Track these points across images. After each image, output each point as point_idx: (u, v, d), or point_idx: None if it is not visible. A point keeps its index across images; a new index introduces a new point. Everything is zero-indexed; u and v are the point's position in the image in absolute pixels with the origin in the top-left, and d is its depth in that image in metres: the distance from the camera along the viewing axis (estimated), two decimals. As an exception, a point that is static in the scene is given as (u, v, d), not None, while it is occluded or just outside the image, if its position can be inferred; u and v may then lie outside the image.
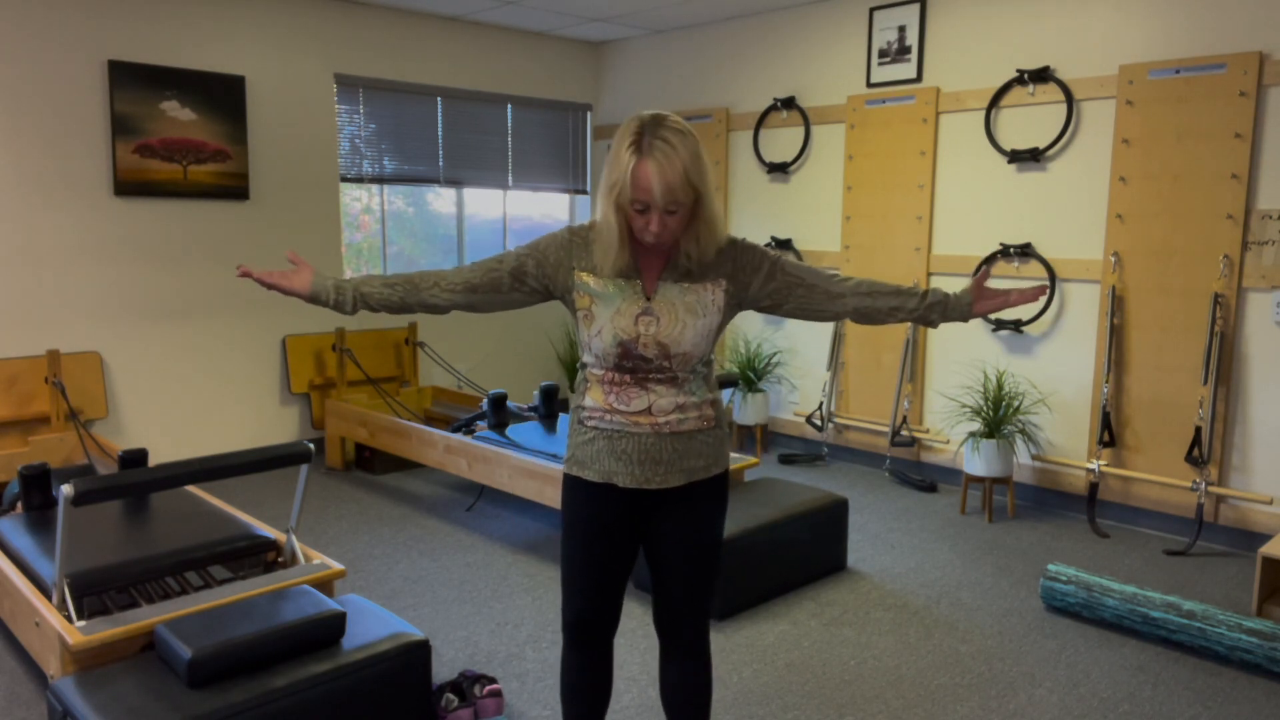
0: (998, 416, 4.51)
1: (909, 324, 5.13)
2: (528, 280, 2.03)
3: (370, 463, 5.28)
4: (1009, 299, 2.03)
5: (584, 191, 7.01)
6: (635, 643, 3.19)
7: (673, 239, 1.93)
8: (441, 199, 6.35)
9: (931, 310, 2.04)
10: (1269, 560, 3.31)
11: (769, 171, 5.80)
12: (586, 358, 2.04)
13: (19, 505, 3.56)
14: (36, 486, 3.41)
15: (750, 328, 6.04)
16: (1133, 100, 4.29)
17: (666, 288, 1.96)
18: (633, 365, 1.97)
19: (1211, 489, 4.13)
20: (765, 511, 3.59)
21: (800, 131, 5.65)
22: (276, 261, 5.40)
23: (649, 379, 1.98)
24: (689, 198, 1.86)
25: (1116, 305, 4.41)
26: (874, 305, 2.04)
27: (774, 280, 2.03)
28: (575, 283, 1.99)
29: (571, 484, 2.08)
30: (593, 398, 2.03)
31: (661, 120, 1.86)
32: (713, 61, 6.10)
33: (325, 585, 2.88)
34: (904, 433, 5.20)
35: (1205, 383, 4.12)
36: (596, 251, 1.96)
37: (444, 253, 6.38)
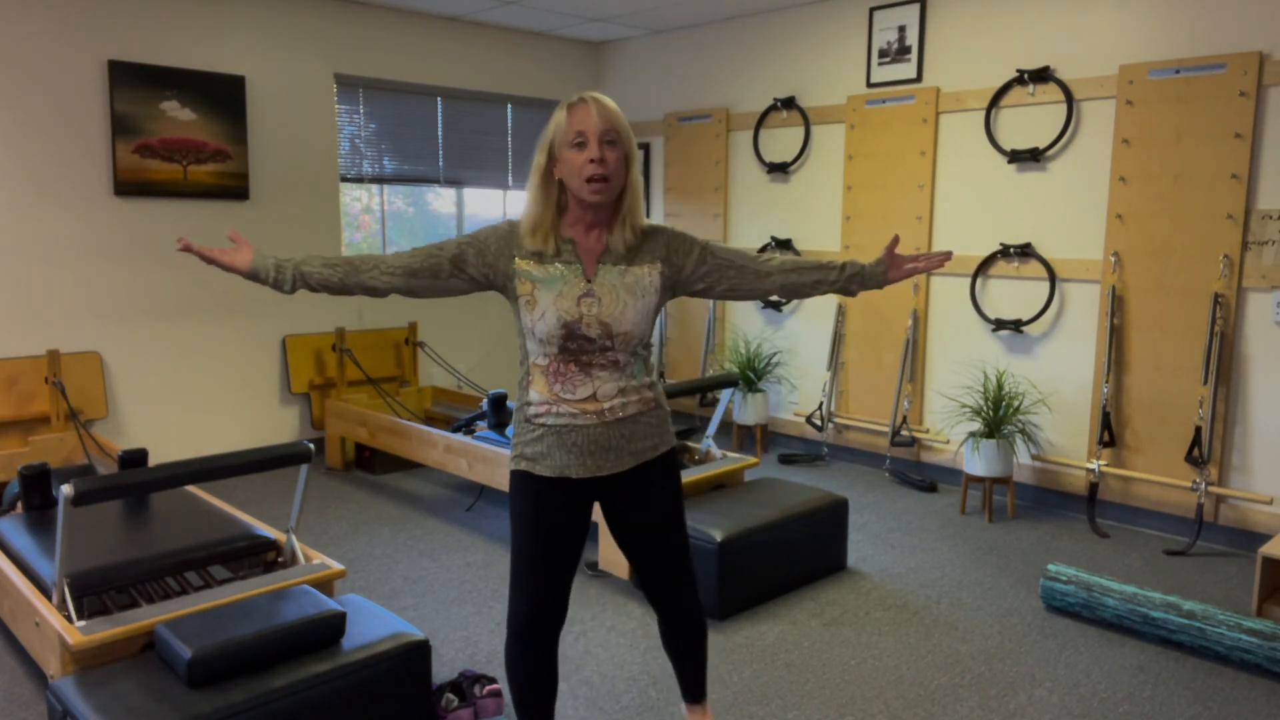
0: (998, 416, 4.51)
1: (909, 324, 5.14)
2: (466, 269, 2.09)
3: (370, 463, 5.28)
4: (918, 265, 2.18)
5: (584, 191, 7.00)
6: (635, 643, 3.19)
7: (614, 179, 2.00)
8: (441, 199, 6.35)
9: (851, 281, 2.19)
10: (1269, 560, 3.31)
11: (769, 171, 5.80)
12: (530, 346, 2.09)
13: (19, 505, 3.56)
14: (36, 486, 3.41)
15: (750, 327, 6.05)
16: (1133, 100, 4.29)
17: (605, 270, 2.05)
18: (576, 347, 2.03)
19: (1211, 489, 4.13)
20: (765, 511, 3.59)
21: (800, 131, 5.65)
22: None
23: (592, 364, 2.05)
24: (621, 139, 2.00)
25: (1116, 305, 4.41)
26: (799, 280, 2.18)
27: (705, 263, 2.14)
28: (516, 270, 2.06)
29: (521, 480, 2.13)
30: (537, 390, 2.09)
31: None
32: (713, 61, 6.09)
33: (325, 585, 2.88)
34: (904, 433, 5.20)
35: (1205, 383, 4.12)
36: (523, 226, 2.06)
37: (444, 253, 6.37)
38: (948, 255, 2.20)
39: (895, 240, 2.18)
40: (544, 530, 2.11)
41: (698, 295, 2.18)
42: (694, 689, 2.45)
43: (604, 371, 2.06)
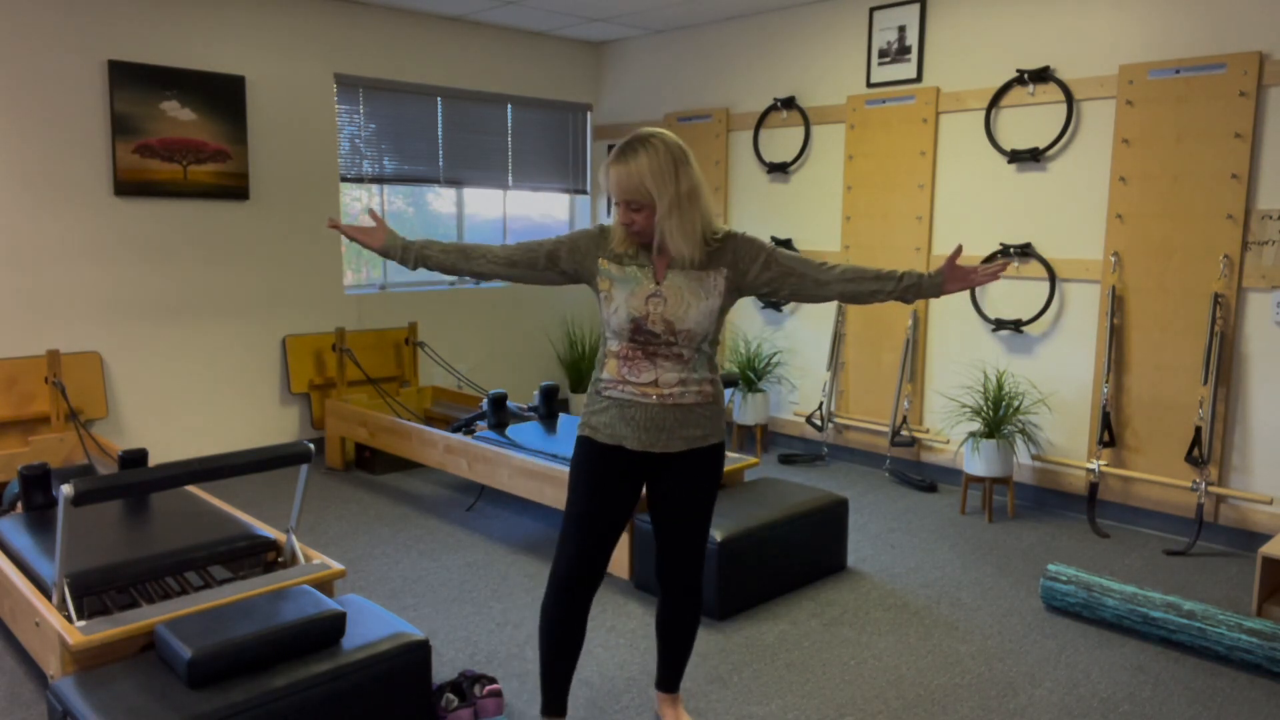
0: (998, 416, 4.51)
1: (909, 324, 5.14)
2: (560, 263, 2.38)
3: (370, 463, 5.28)
4: (976, 277, 2.29)
5: (584, 192, 7.01)
6: (635, 643, 3.19)
7: (645, 230, 2.24)
8: (441, 199, 6.35)
9: (908, 291, 2.32)
10: (1269, 560, 3.31)
11: (769, 171, 5.80)
12: (606, 334, 2.35)
13: (19, 505, 3.56)
14: (36, 486, 3.41)
15: (750, 327, 6.05)
16: (1133, 100, 4.29)
17: (674, 275, 2.28)
18: (644, 339, 2.28)
19: (1211, 489, 4.13)
20: (765, 511, 3.59)
21: (800, 131, 5.65)
22: (278, 261, 5.41)
23: (657, 354, 2.28)
24: (647, 199, 2.19)
25: (1116, 305, 4.41)
26: (858, 289, 2.33)
27: (769, 270, 2.33)
28: (599, 269, 2.33)
29: (584, 445, 2.38)
30: (609, 370, 2.34)
31: (640, 134, 2.23)
32: (713, 61, 6.10)
33: (325, 585, 2.88)
34: (904, 433, 5.20)
35: (1205, 383, 4.12)
36: (614, 233, 2.32)
37: (444, 253, 6.37)
38: (1004, 266, 2.32)
39: (958, 250, 2.31)
40: (595, 492, 2.35)
41: (762, 297, 2.40)
42: (672, 677, 2.62)
43: (668, 362, 2.29)
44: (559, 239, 2.39)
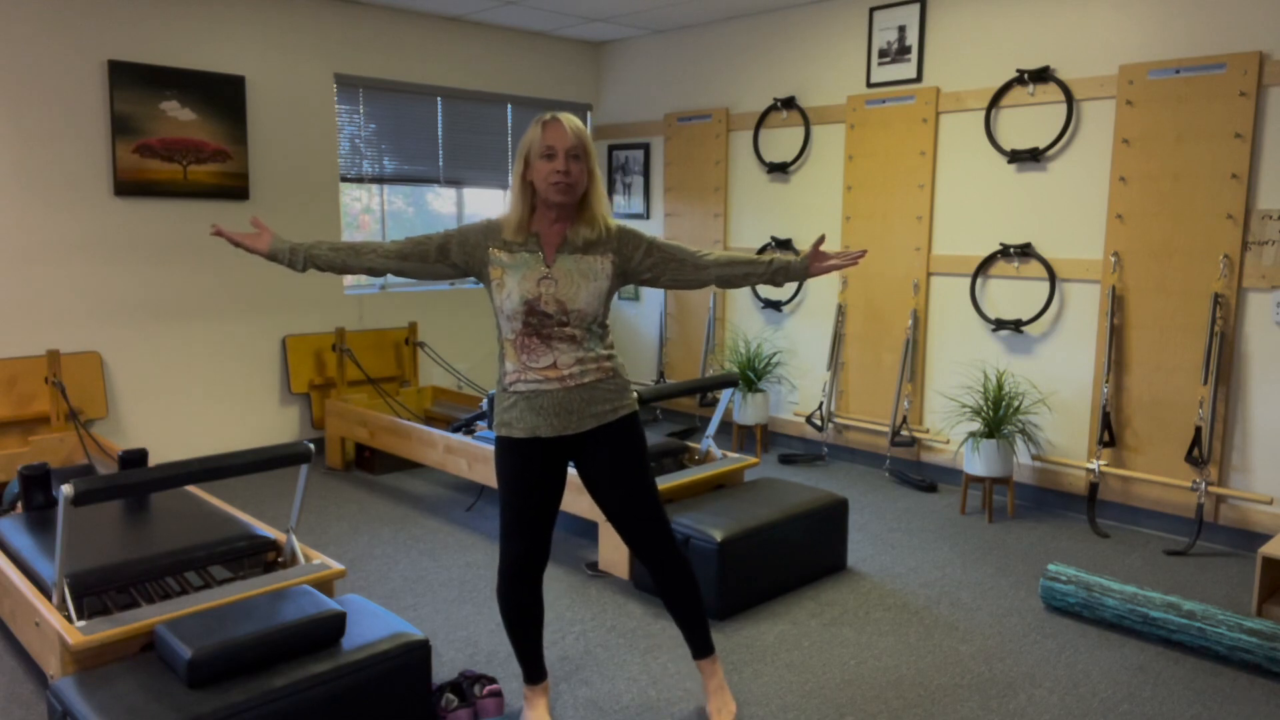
0: (998, 416, 4.51)
1: (909, 324, 5.14)
2: (450, 255, 2.45)
3: (370, 463, 5.28)
4: (835, 263, 2.46)
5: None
6: (635, 643, 3.19)
7: (578, 182, 2.34)
8: (441, 199, 6.35)
9: (777, 274, 2.51)
10: (1269, 560, 3.31)
11: (769, 171, 5.80)
12: (501, 323, 2.43)
13: (19, 505, 3.57)
14: (36, 486, 3.41)
15: (750, 327, 6.05)
16: (1133, 100, 4.29)
17: (563, 259, 2.39)
18: (537, 322, 2.37)
19: (1211, 489, 4.13)
20: (765, 511, 3.59)
21: (800, 131, 5.65)
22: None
23: (551, 337, 2.38)
24: (585, 155, 2.34)
25: (1116, 305, 4.41)
26: (732, 273, 2.51)
27: (651, 256, 2.48)
28: (490, 258, 2.41)
29: (503, 444, 2.47)
30: (509, 361, 2.42)
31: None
32: (713, 61, 6.10)
33: (325, 585, 2.88)
34: (904, 433, 5.20)
35: (1205, 383, 4.12)
36: (505, 222, 2.41)
37: (444, 253, 6.37)
38: (862, 253, 2.47)
39: (821, 239, 2.52)
40: (523, 486, 2.45)
41: (646, 284, 2.52)
42: (698, 641, 2.66)
43: (562, 344, 2.39)
44: (448, 232, 2.47)
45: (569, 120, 2.36)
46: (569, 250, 2.40)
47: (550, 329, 2.37)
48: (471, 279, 2.50)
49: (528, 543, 2.49)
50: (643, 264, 2.47)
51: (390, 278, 6.02)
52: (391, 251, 2.46)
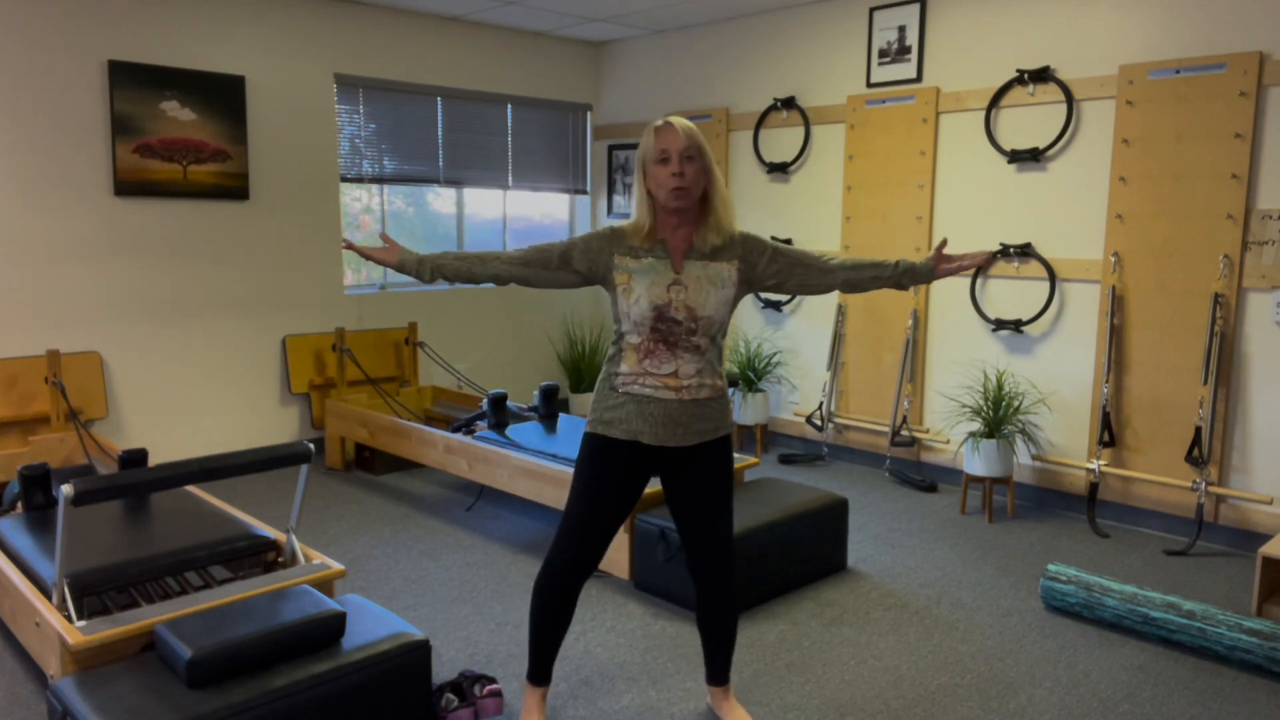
0: (998, 416, 4.51)
1: (909, 324, 5.14)
2: (573, 263, 2.45)
3: (370, 463, 5.28)
4: (963, 263, 2.47)
5: (584, 192, 7.01)
6: (635, 643, 3.19)
7: (693, 186, 2.32)
8: (441, 199, 6.35)
9: (904, 276, 2.49)
10: (1269, 560, 3.31)
11: (769, 171, 5.80)
12: (625, 327, 2.41)
13: (19, 505, 3.56)
14: (36, 486, 3.41)
15: (750, 327, 6.05)
16: (1133, 100, 4.29)
17: (691, 264, 2.37)
18: (665, 328, 2.35)
19: (1211, 489, 4.13)
20: (765, 511, 3.59)
21: (800, 131, 5.65)
22: (278, 261, 5.41)
23: (677, 345, 2.36)
24: (699, 155, 2.32)
25: (1116, 305, 4.41)
26: (859, 276, 2.49)
27: (776, 262, 2.46)
28: (615, 264, 2.40)
29: (596, 442, 2.44)
30: (627, 364, 2.40)
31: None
32: (713, 61, 6.09)
33: (325, 585, 2.88)
34: (904, 433, 5.20)
35: (1205, 383, 4.12)
36: (629, 229, 2.40)
37: (444, 253, 6.37)
38: (992, 255, 2.51)
39: (944, 243, 2.50)
40: (604, 488, 2.43)
41: (770, 290, 2.50)
42: (718, 669, 2.67)
43: (687, 354, 2.37)
44: (571, 240, 2.47)
45: (681, 123, 2.34)
46: (696, 256, 2.38)
47: (678, 337, 2.35)
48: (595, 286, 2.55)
49: (588, 547, 2.46)
50: (767, 270, 2.45)
51: (392, 276, 6.05)
52: (515, 259, 2.48)
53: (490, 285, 6.20)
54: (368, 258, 2.53)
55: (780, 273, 2.46)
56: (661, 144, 2.31)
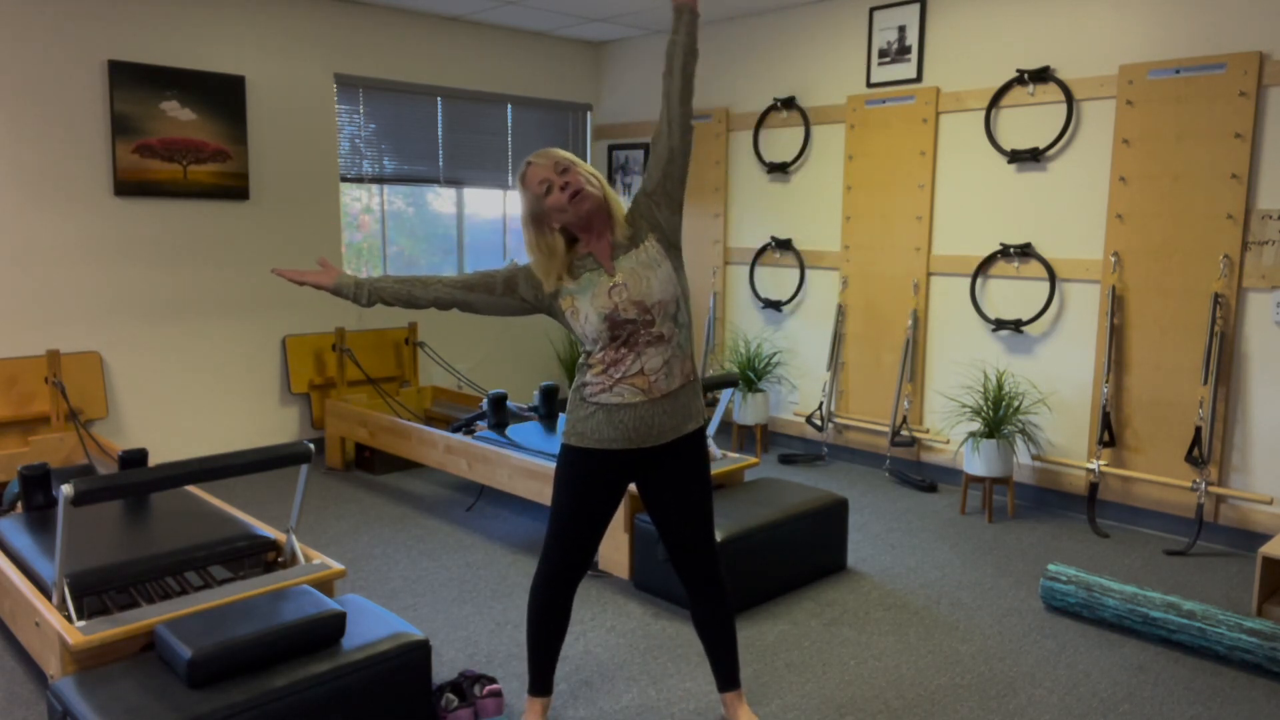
0: (998, 416, 4.51)
1: (909, 324, 5.14)
2: (518, 289, 2.42)
3: (370, 463, 5.28)
4: None
5: (584, 191, 6.99)
6: (635, 643, 3.19)
7: (586, 186, 2.30)
8: (441, 199, 6.34)
9: (676, 25, 2.36)
10: (1269, 560, 3.31)
11: (769, 171, 5.80)
12: (587, 346, 2.38)
13: (19, 505, 3.56)
14: (36, 486, 3.41)
15: (750, 327, 6.05)
16: (1133, 100, 4.29)
17: (621, 261, 2.36)
18: (623, 332, 2.32)
19: (1211, 489, 4.13)
20: (765, 511, 3.59)
21: (800, 131, 5.65)
22: (278, 261, 5.41)
23: (639, 343, 2.33)
24: (571, 163, 2.32)
25: (1116, 305, 4.41)
26: (669, 68, 2.35)
27: (657, 190, 2.39)
28: (559, 289, 2.38)
29: (571, 453, 2.43)
30: (594, 374, 2.38)
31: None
32: (713, 61, 6.09)
33: (325, 585, 2.88)
34: (904, 433, 5.20)
35: (1205, 383, 4.12)
36: (538, 273, 2.37)
37: (444, 253, 6.38)
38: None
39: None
40: (582, 496, 2.42)
41: (677, 201, 2.41)
42: (726, 674, 2.64)
43: (651, 347, 2.34)
44: (517, 266, 2.44)
45: (537, 155, 2.36)
46: (622, 252, 2.37)
47: (637, 335, 2.33)
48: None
49: (575, 554, 2.46)
50: (662, 201, 2.39)
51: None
52: (457, 283, 2.44)
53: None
54: (301, 283, 2.45)
55: (666, 179, 2.38)
56: (536, 180, 2.31)
